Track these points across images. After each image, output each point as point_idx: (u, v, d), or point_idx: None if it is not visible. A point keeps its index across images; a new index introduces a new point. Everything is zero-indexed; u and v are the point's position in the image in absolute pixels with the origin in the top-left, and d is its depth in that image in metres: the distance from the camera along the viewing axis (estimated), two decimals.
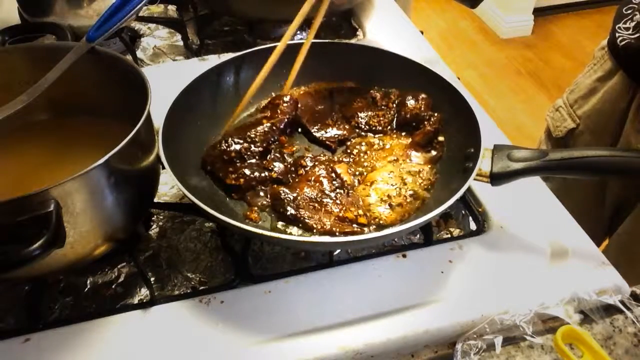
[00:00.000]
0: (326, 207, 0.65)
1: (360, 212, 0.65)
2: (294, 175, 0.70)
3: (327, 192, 0.67)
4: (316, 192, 0.67)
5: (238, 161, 0.70)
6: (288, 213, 0.64)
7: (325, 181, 0.68)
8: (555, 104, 1.10)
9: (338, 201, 0.66)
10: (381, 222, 0.65)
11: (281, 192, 0.66)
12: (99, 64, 0.66)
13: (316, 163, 0.71)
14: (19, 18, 0.98)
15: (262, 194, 0.68)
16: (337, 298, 0.61)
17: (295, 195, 0.65)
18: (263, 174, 0.69)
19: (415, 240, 0.72)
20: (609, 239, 1.09)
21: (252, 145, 0.71)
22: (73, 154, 0.67)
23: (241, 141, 0.71)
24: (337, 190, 0.68)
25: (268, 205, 0.67)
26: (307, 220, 0.64)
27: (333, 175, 0.69)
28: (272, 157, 0.71)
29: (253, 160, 0.70)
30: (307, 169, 0.70)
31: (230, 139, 0.71)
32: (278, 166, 0.70)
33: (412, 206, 0.68)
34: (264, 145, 0.72)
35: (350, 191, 0.68)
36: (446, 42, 3.16)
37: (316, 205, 0.65)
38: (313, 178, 0.68)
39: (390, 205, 0.67)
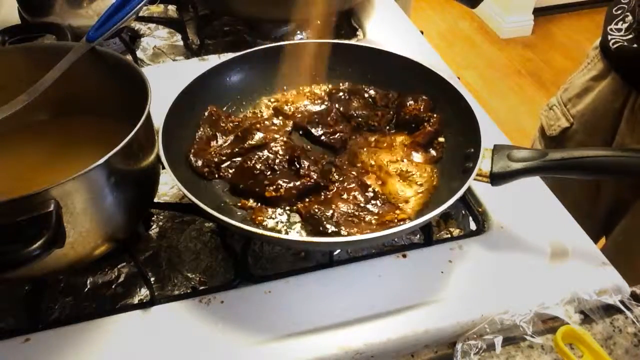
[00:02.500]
0: (364, 219, 0.65)
1: (398, 212, 0.66)
2: (325, 191, 0.69)
3: (362, 204, 0.67)
4: (352, 206, 0.66)
5: (269, 173, 0.69)
6: (329, 231, 0.63)
7: (357, 194, 0.68)
8: (550, 103, 1.10)
9: (375, 210, 0.66)
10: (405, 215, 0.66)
11: (316, 210, 0.64)
12: (99, 64, 0.66)
13: (345, 177, 0.70)
14: (19, 18, 0.98)
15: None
16: (337, 298, 0.61)
17: (331, 212, 0.65)
18: (299, 182, 0.67)
19: (415, 240, 0.72)
20: (606, 239, 1.08)
21: (276, 156, 0.70)
22: (73, 154, 0.67)
23: (263, 154, 0.70)
24: (372, 202, 0.67)
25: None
26: (349, 235, 0.63)
27: (363, 187, 0.69)
28: (302, 164, 0.69)
29: (284, 169, 0.69)
30: (337, 183, 0.69)
31: (251, 154, 0.70)
32: (314, 170, 0.69)
33: (414, 205, 0.68)
34: (289, 153, 0.70)
35: (387, 201, 0.68)
36: (446, 42, 3.16)
37: (355, 219, 0.65)
38: (345, 192, 0.68)
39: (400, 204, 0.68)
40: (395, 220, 0.65)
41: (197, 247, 0.70)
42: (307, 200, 0.68)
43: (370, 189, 0.69)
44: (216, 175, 0.71)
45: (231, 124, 0.77)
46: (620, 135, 0.95)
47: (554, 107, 1.07)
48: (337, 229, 0.63)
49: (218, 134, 0.75)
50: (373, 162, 0.73)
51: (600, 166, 0.62)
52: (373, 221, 0.65)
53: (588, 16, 3.33)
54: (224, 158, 0.72)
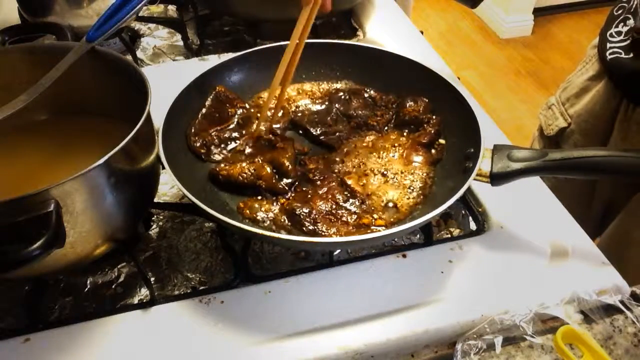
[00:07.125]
0: (342, 218, 0.66)
1: (376, 216, 0.66)
2: (304, 189, 0.69)
3: (340, 203, 0.67)
4: (330, 205, 0.67)
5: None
6: (305, 229, 0.64)
7: (337, 193, 0.68)
8: (548, 102, 1.09)
9: (353, 210, 0.67)
10: (392, 220, 0.66)
11: (296, 208, 0.65)
12: (99, 64, 0.66)
13: (326, 176, 0.70)
14: (19, 18, 0.98)
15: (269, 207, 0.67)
16: (337, 298, 0.61)
17: (309, 210, 0.65)
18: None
19: (415, 240, 0.72)
20: (599, 240, 1.08)
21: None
22: (73, 154, 0.67)
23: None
24: (351, 200, 0.68)
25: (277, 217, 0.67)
26: (325, 234, 0.63)
27: (344, 186, 0.69)
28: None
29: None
30: (318, 182, 0.69)
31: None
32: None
33: (414, 206, 0.68)
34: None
35: (366, 200, 0.68)
36: (446, 42, 3.16)
37: (332, 218, 0.66)
38: (325, 190, 0.68)
39: (396, 205, 0.67)
40: (372, 224, 0.65)
41: (197, 247, 0.70)
42: (289, 196, 0.68)
43: (349, 189, 0.69)
44: (211, 157, 0.72)
45: (234, 109, 0.77)
46: (614, 140, 0.94)
47: (553, 106, 1.07)
48: (314, 227, 0.64)
49: (221, 117, 0.76)
50: (364, 163, 0.73)
51: (599, 166, 0.62)
52: (350, 221, 0.65)
53: (588, 16, 3.33)
54: (220, 141, 0.74)
